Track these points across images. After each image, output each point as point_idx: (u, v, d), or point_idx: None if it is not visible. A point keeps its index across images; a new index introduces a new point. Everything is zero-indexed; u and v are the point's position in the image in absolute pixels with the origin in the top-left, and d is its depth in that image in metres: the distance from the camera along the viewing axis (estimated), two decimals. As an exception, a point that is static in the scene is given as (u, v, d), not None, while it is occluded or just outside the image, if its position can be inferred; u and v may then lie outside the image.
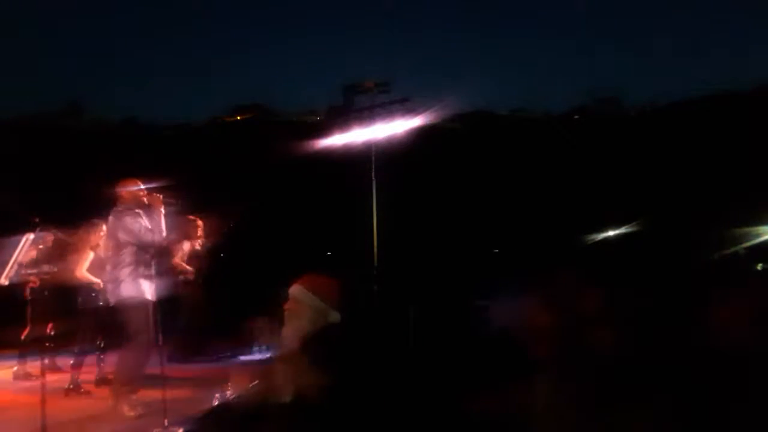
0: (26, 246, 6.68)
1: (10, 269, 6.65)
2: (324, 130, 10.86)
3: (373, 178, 8.08)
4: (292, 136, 12.78)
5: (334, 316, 2.98)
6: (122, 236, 5.65)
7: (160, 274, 5.77)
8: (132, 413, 5.38)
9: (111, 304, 5.94)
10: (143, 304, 5.59)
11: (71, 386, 6.50)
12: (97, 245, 7.01)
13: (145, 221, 5.69)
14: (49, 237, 6.85)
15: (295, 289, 3.01)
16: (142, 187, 5.83)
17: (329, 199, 12.65)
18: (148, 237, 5.63)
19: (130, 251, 5.66)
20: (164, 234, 5.80)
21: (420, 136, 9.90)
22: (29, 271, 6.80)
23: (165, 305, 5.90)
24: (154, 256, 5.74)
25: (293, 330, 2.96)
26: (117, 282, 5.64)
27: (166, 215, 5.87)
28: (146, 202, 5.77)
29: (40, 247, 6.80)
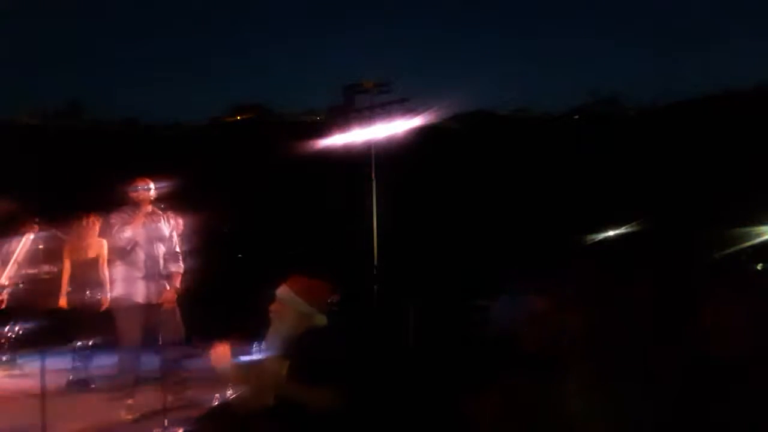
0: (26, 246, 6.68)
1: (10, 269, 6.66)
2: (324, 130, 10.84)
3: (373, 178, 8.09)
4: (292, 136, 12.76)
5: (320, 319, 2.95)
6: (112, 236, 5.65)
7: (154, 275, 5.69)
8: (129, 417, 5.36)
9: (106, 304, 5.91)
10: (133, 305, 5.55)
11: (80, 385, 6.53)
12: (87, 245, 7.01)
13: (127, 223, 5.59)
14: (48, 237, 6.86)
15: (281, 291, 2.99)
16: (152, 187, 5.75)
17: (329, 199, 12.65)
18: (120, 241, 5.57)
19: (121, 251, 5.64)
20: (164, 235, 5.76)
21: (420, 136, 9.89)
22: (29, 271, 6.80)
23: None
24: (151, 259, 5.68)
25: (276, 332, 2.94)
26: (111, 281, 5.64)
27: (160, 217, 5.82)
28: (137, 201, 5.69)
29: (40, 247, 6.81)
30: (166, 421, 4.91)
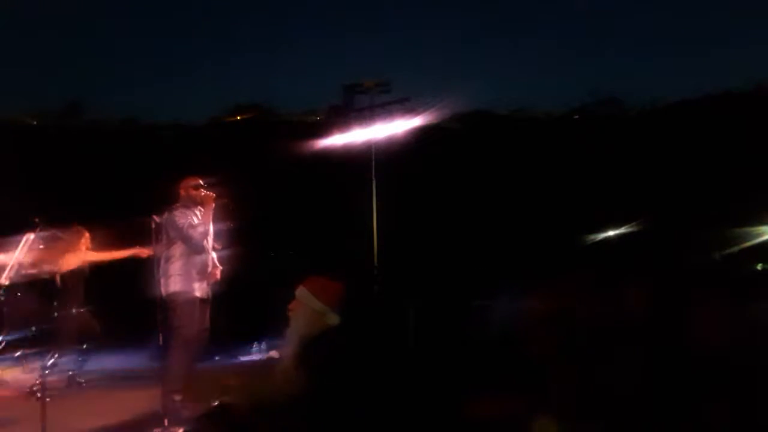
0: (26, 246, 6.69)
1: (10, 269, 6.67)
2: (324, 130, 10.84)
3: (373, 178, 8.09)
4: (292, 136, 12.75)
5: (332, 318, 3.05)
6: (171, 232, 5.68)
7: (206, 271, 5.77)
8: (129, 416, 5.37)
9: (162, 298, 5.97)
10: (192, 299, 5.61)
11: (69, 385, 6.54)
12: (86, 249, 7.07)
13: (194, 219, 5.72)
14: (48, 237, 6.88)
15: (300, 291, 3.12)
16: (201, 183, 5.86)
17: (329, 199, 12.64)
18: (192, 233, 5.65)
19: (179, 247, 5.69)
20: (211, 232, 5.84)
21: (420, 136, 9.89)
22: (29, 271, 6.82)
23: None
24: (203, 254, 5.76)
25: (293, 331, 3.05)
26: (167, 276, 5.67)
27: (216, 213, 5.89)
28: (200, 200, 5.79)
29: (41, 247, 6.82)
30: (166, 421, 4.92)
